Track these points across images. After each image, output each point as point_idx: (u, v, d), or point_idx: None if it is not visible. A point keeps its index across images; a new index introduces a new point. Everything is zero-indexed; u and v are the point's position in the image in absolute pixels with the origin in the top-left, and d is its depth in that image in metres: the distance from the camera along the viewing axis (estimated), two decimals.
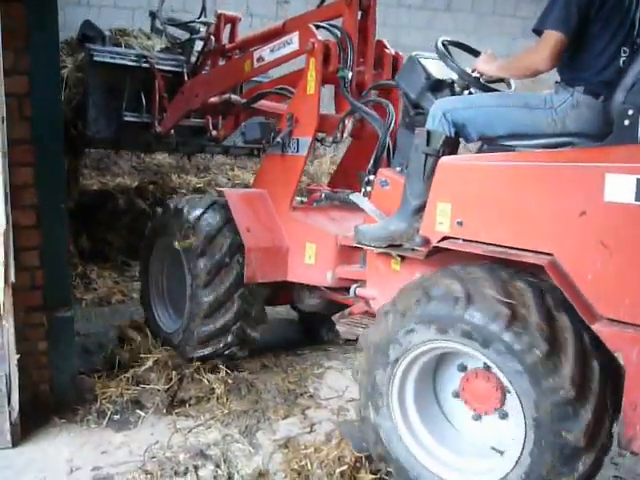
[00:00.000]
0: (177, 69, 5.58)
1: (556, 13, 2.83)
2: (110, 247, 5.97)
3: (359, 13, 4.02)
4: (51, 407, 3.57)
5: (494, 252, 2.81)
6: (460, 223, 2.93)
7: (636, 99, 2.66)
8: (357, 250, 3.70)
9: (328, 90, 4.15)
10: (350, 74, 3.92)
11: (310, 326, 4.96)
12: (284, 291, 4.31)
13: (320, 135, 4.17)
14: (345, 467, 3.13)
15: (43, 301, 3.49)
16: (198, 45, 5.57)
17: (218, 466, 3.23)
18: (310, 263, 3.96)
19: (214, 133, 5.57)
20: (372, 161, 3.82)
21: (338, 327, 3.78)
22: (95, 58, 5.28)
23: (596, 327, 2.56)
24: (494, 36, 9.57)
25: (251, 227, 4.02)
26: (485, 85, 3.36)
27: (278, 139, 4.04)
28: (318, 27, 4.03)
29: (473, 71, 3.29)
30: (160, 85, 5.47)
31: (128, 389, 3.83)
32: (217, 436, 3.50)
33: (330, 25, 4.07)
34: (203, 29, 5.56)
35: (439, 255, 3.09)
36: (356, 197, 3.72)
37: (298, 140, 4.02)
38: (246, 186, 6.61)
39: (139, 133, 5.62)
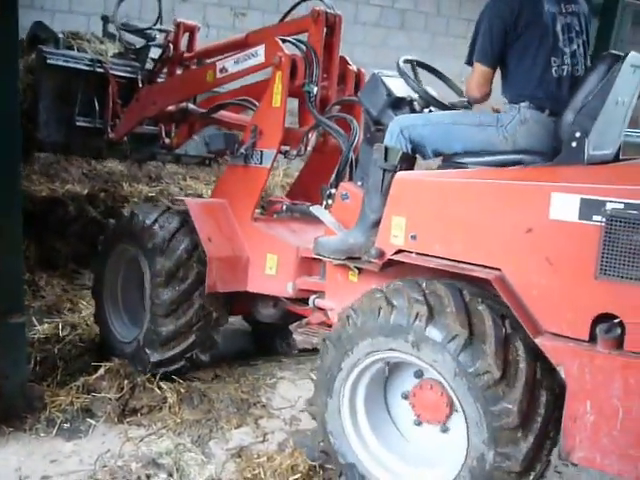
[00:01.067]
0: (132, 75, 5.52)
1: (478, 47, 3.11)
2: (59, 255, 5.82)
3: (325, 29, 4.09)
4: None
5: (445, 266, 2.94)
6: (414, 237, 3.06)
7: (584, 122, 2.83)
8: (317, 262, 3.77)
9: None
10: (315, 89, 3.99)
11: (264, 337, 4.98)
12: (240, 302, 4.32)
13: (284, 148, 4.21)
14: (298, 475, 3.18)
15: None
16: (153, 52, 5.56)
17: (171, 475, 3.24)
18: (271, 274, 4.00)
19: (167, 141, 5.52)
20: (334, 175, 3.91)
21: (295, 336, 3.85)
22: (48, 61, 5.18)
23: (539, 341, 2.69)
24: (447, 57, 9.85)
25: (212, 237, 4.03)
26: (443, 104, 3.52)
27: (242, 150, 4.07)
28: (284, 41, 4.09)
29: None
30: (114, 91, 5.40)
31: (79, 397, 3.80)
32: (169, 445, 3.50)
33: (296, 40, 4.14)
34: (159, 36, 5.54)
35: (395, 268, 3.18)
36: (316, 209, 3.80)
37: (262, 152, 4.06)
38: (199, 196, 6.60)
39: (91, 139, 5.53)
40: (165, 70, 5.27)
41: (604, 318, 2.58)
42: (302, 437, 3.59)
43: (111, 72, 5.40)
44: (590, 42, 3.25)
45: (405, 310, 2.85)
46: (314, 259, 3.72)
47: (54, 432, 3.54)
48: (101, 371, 4.00)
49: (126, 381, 3.92)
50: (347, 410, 3.14)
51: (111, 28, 5.90)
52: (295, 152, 4.21)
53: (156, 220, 4.10)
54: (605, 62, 2.88)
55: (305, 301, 3.87)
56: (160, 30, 5.45)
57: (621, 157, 3.15)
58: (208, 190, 7.13)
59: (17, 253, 3.60)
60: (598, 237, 2.56)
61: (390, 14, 10.04)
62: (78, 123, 5.41)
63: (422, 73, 3.72)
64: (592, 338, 2.60)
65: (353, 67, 4.36)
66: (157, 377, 4.00)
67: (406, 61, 3.59)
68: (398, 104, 3.54)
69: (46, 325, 4.59)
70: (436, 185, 3.10)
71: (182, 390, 3.97)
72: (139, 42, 5.73)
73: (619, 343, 2.54)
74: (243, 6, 8.08)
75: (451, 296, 2.79)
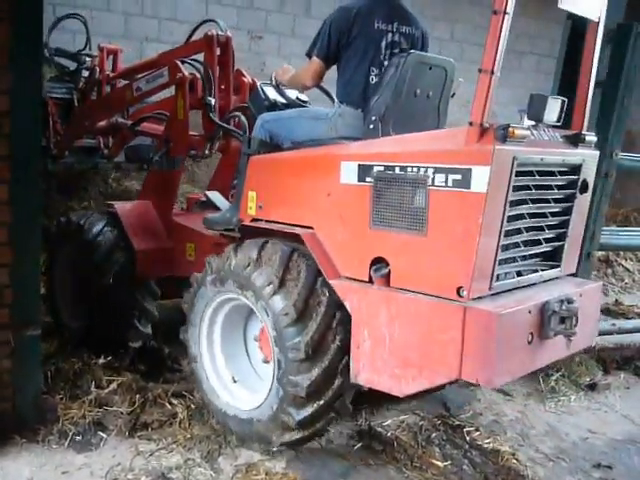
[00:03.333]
0: (67, 96, 6.19)
1: (318, 43, 3.78)
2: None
3: (217, 49, 4.83)
4: (12, 426, 3.57)
5: (277, 227, 3.62)
6: (261, 207, 3.78)
7: (379, 108, 3.49)
8: (228, 244, 4.47)
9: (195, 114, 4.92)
10: (213, 100, 4.71)
11: None
12: (172, 286, 5.01)
13: (192, 152, 4.94)
14: None
15: (10, 319, 3.49)
16: (85, 74, 6.23)
17: None
18: (191, 259, 4.70)
19: (106, 152, 6.24)
20: (237, 169, 4.62)
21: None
22: None
23: (333, 283, 3.32)
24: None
25: (138, 232, 4.73)
26: (301, 104, 4.28)
27: (156, 158, 4.80)
28: (183, 62, 4.82)
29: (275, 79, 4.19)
30: (53, 112, 6.04)
31: (91, 411, 3.89)
32: (179, 460, 3.53)
33: (193, 60, 4.88)
34: (89, 59, 6.23)
35: (259, 236, 3.77)
36: (210, 194, 4.54)
37: (173, 158, 4.80)
38: None
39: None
40: (95, 90, 5.96)
41: (378, 261, 3.19)
42: (309, 455, 3.67)
43: (49, 95, 6.05)
44: None
45: (240, 260, 3.56)
46: (224, 243, 4.43)
47: (66, 444, 3.60)
48: (113, 385, 4.15)
49: (137, 395, 4.05)
50: (205, 336, 3.86)
51: (47, 53, 6.53)
52: (201, 154, 4.94)
53: (89, 223, 4.74)
54: (395, 61, 3.51)
55: None
56: (88, 55, 6.15)
57: None
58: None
59: (35, 267, 3.65)
60: (370, 195, 3.18)
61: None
62: None
63: None
64: (371, 279, 3.22)
65: (248, 78, 5.09)
66: (168, 393, 4.18)
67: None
68: (271, 107, 4.29)
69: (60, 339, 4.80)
70: (273, 163, 3.77)
71: (192, 405, 4.03)
72: (72, 65, 6.40)
73: (387, 281, 3.15)
74: (260, 29, 8.47)
75: (276, 251, 3.47)
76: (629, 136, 6.55)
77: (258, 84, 4.46)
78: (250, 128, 4.36)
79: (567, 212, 3.38)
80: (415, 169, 3.01)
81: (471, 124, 2.83)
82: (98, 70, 5.87)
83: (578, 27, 4.42)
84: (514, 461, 3.83)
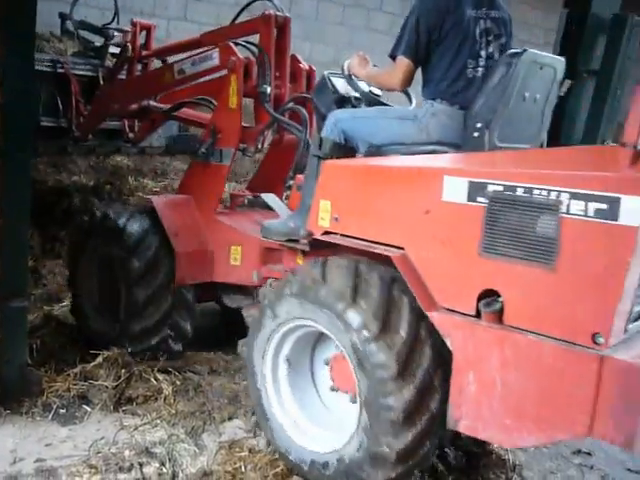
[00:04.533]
0: (92, 74, 5.71)
1: (405, 41, 3.37)
2: (62, 244, 5.89)
3: (275, 31, 4.35)
4: None
5: (360, 245, 3.13)
6: (337, 219, 3.28)
7: (485, 114, 3.11)
8: (280, 250, 4.05)
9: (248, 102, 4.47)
10: (269, 88, 4.25)
11: (232, 321, 5.23)
12: (209, 289, 4.60)
13: (242, 145, 4.48)
14: (278, 470, 3.26)
15: None
16: (112, 50, 5.75)
17: (163, 464, 3.28)
18: (236, 264, 4.28)
19: (131, 135, 5.77)
20: (293, 167, 4.20)
21: (244, 313, 4.12)
22: None
23: (432, 315, 2.87)
24: (361, 30, 10.02)
25: (179, 232, 4.29)
26: (380, 101, 3.83)
27: (202, 149, 4.33)
28: (237, 44, 4.34)
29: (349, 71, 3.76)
30: (76, 90, 5.57)
31: (76, 384, 3.87)
32: (163, 435, 3.54)
33: (247, 42, 4.39)
34: (117, 35, 5.73)
35: (331, 250, 3.37)
36: (266, 196, 4.10)
37: (221, 150, 4.32)
38: None
39: (56, 138, 5.71)
40: (125, 68, 5.47)
41: (488, 294, 2.73)
42: None
43: (72, 71, 5.57)
44: (510, 45, 3.49)
45: (305, 279, 3.15)
46: (276, 248, 4.01)
47: (50, 417, 3.60)
48: (99, 359, 4.08)
49: (123, 370, 4.00)
50: (271, 355, 3.41)
51: (69, 26, 6.04)
52: (253, 149, 4.48)
53: (127, 221, 4.31)
54: (506, 59, 3.14)
55: None
56: (117, 29, 5.65)
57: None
58: None
59: (22, 239, 3.63)
60: (482, 217, 2.71)
61: (355, 14, 10.21)
62: (42, 123, 5.58)
63: None
64: (478, 313, 2.75)
65: (304, 65, 4.62)
66: (154, 368, 4.12)
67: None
68: (342, 101, 3.84)
69: (45, 312, 4.72)
70: (354, 171, 3.32)
71: (178, 382, 4.03)
72: (98, 40, 5.92)
73: (499, 318, 2.70)
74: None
75: (345, 267, 3.06)
76: (621, 128, 6.22)
77: (325, 74, 3.97)
78: (311, 123, 3.94)
79: None
80: (545, 192, 2.56)
81: (624, 145, 2.41)
82: (130, 47, 5.36)
83: None
84: (495, 446, 3.62)
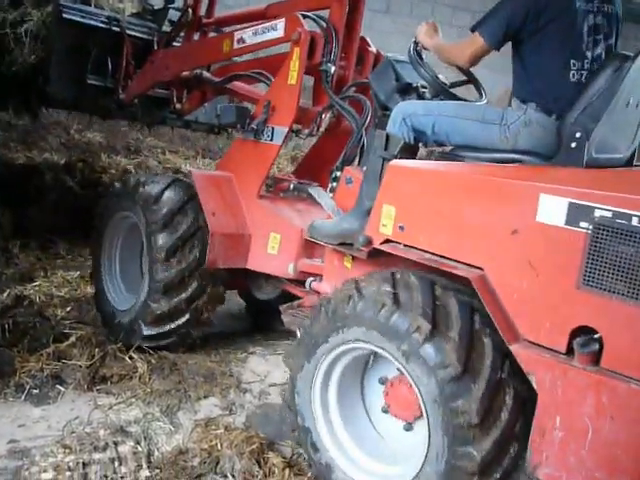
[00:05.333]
0: (147, 37, 5.44)
1: (489, 21, 2.96)
2: (34, 223, 5.73)
3: (347, 7, 3.99)
4: None
5: (429, 260, 2.82)
6: (402, 228, 2.94)
7: (585, 122, 2.69)
8: (319, 245, 3.70)
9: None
10: (333, 68, 3.89)
11: (260, 315, 4.92)
12: (239, 277, 4.27)
13: (296, 126, 4.12)
14: (254, 447, 3.17)
15: None
16: (171, 15, 5.45)
17: (138, 443, 3.24)
18: (273, 253, 3.93)
19: (178, 106, 5.44)
20: (341, 158, 3.84)
21: (283, 317, 3.79)
22: (64, 15, 5.08)
23: (514, 348, 2.55)
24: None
25: (217, 211, 3.97)
26: (453, 94, 3.42)
27: (253, 125, 3.98)
28: (305, 17, 3.98)
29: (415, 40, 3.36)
30: (129, 51, 5.30)
31: (49, 364, 3.79)
32: (138, 414, 3.50)
33: (317, 16, 4.03)
34: None
35: (387, 258, 3.07)
36: (315, 190, 3.76)
37: (273, 129, 3.96)
38: (176, 171, 6.49)
39: (101, 98, 5.45)
40: (182, 35, 5.16)
41: (583, 331, 2.43)
42: (270, 410, 3.62)
43: (127, 32, 5.30)
44: (617, 47, 3.09)
45: (372, 300, 2.76)
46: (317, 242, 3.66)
47: (23, 397, 3.54)
48: (72, 339, 4.00)
49: (97, 349, 3.93)
50: (320, 381, 3.06)
51: None
52: (307, 131, 4.13)
53: (163, 192, 4.01)
54: (614, 62, 2.74)
55: (303, 283, 3.81)
56: None
57: (635, 163, 3.04)
58: (187, 164, 7.05)
59: None
60: (584, 245, 2.40)
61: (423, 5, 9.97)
62: (89, 81, 5.32)
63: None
64: (569, 350, 2.46)
65: (373, 49, 4.26)
66: (128, 347, 4.00)
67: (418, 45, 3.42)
68: (406, 90, 3.46)
69: (17, 292, 4.57)
70: (427, 176, 2.97)
71: (153, 360, 3.98)
72: (157, 3, 5.64)
73: (596, 359, 2.40)
74: None
75: (420, 287, 2.70)
76: None
77: (388, 57, 3.60)
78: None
79: None
80: None
81: None
82: (191, 12, 5.03)
83: None
84: None
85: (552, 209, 2.47)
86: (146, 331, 3.98)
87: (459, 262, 2.73)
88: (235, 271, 4.11)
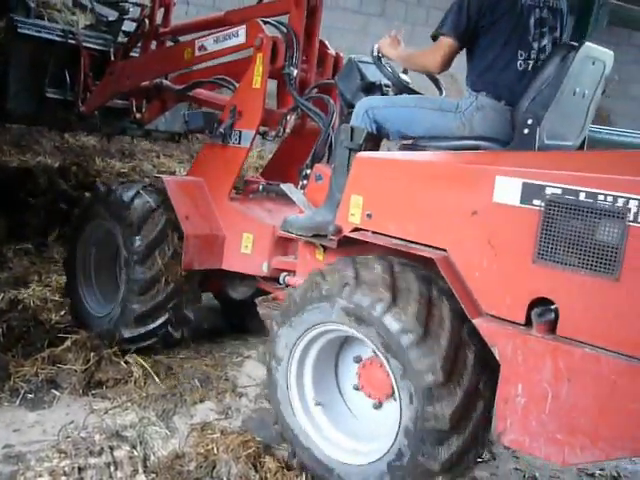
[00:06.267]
0: (104, 48, 5.48)
1: (449, 21, 3.12)
2: (28, 227, 5.74)
3: (305, 12, 4.12)
4: None
5: (396, 245, 2.96)
6: (369, 215, 3.07)
7: (536, 110, 2.90)
8: (292, 242, 3.83)
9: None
10: (295, 71, 4.03)
11: (234, 315, 5.01)
12: (212, 279, 4.37)
13: (262, 129, 4.24)
14: (250, 451, 3.19)
15: None
16: (125, 26, 5.51)
17: (134, 447, 3.23)
18: (246, 253, 4.04)
19: (138, 116, 5.49)
20: (310, 156, 3.97)
21: (259, 309, 3.90)
22: (19, 30, 5.09)
23: (477, 322, 2.69)
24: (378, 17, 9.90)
25: (190, 215, 4.06)
26: (415, 92, 3.59)
27: (221, 130, 4.09)
28: (265, 22, 4.10)
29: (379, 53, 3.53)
30: (86, 63, 5.34)
31: (44, 368, 3.79)
32: (134, 418, 3.50)
33: (277, 22, 4.16)
34: (132, 9, 5.50)
35: (358, 248, 3.20)
36: (286, 187, 3.87)
37: (241, 132, 4.08)
38: (171, 174, 6.53)
39: (61, 111, 5.47)
40: (139, 45, 5.23)
41: (540, 302, 2.56)
42: (266, 414, 3.61)
43: (83, 44, 5.33)
44: (563, 39, 3.28)
45: (336, 281, 2.93)
46: (289, 239, 3.78)
47: (18, 402, 3.53)
48: (67, 343, 3.99)
49: (92, 354, 3.92)
50: (295, 363, 3.19)
51: None
52: (274, 133, 4.25)
53: (134, 197, 4.09)
54: (560, 52, 2.94)
55: (277, 280, 3.92)
56: (134, 4, 5.41)
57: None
58: (181, 168, 7.08)
59: None
60: (537, 221, 2.53)
61: (371, 1, 10.06)
62: (48, 95, 5.35)
63: None
64: (528, 322, 2.58)
65: (331, 51, 4.40)
66: (125, 351, 4.01)
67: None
68: (370, 88, 3.61)
69: (12, 296, 4.57)
70: (392, 166, 3.12)
71: (148, 365, 3.97)
72: (111, 14, 5.68)
73: (552, 328, 2.53)
74: None
75: (379, 265, 2.86)
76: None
77: (353, 58, 3.74)
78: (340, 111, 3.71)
79: None
80: (610, 198, 2.35)
81: None
82: (147, 22, 5.10)
83: None
84: None
85: (507, 190, 2.62)
86: (126, 334, 4.04)
87: (424, 245, 2.88)
88: (210, 272, 4.22)
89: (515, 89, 3.05)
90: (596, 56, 3.03)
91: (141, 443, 3.28)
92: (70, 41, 5.30)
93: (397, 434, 2.81)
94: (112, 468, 3.07)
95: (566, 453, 2.48)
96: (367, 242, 3.09)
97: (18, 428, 3.32)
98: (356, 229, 3.14)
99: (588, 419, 2.43)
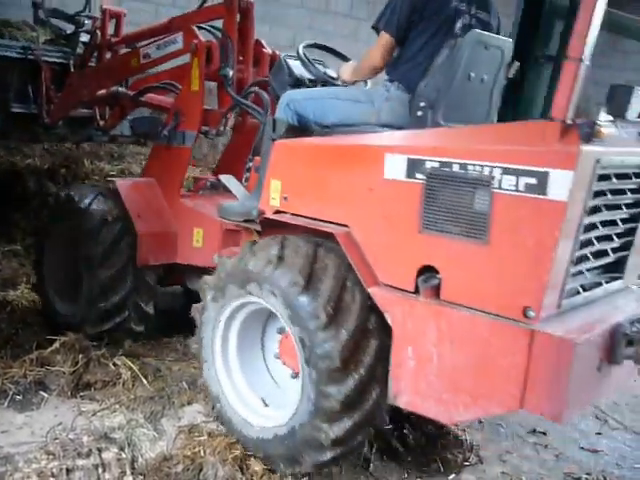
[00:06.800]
0: (63, 61, 5.74)
1: (387, 17, 3.35)
2: (17, 229, 5.93)
3: (238, 15, 4.37)
4: None
5: (307, 223, 3.19)
6: (286, 198, 3.32)
7: (429, 94, 3.13)
8: (239, 233, 4.07)
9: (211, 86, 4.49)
10: (231, 72, 4.26)
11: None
12: (175, 273, 4.62)
13: (204, 128, 4.50)
14: (237, 453, 3.23)
15: None
16: (84, 37, 5.76)
17: (122, 449, 3.24)
18: (198, 246, 4.30)
19: (101, 123, 5.76)
20: (252, 150, 4.21)
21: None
22: None
23: (372, 291, 2.91)
24: (321, 13, 9.83)
25: (142, 214, 4.31)
26: (335, 84, 3.85)
27: (165, 132, 4.35)
28: (200, 28, 4.36)
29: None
30: (47, 77, 5.61)
31: (32, 370, 3.84)
32: (122, 420, 3.51)
33: (211, 26, 4.41)
34: (88, 22, 5.75)
35: (287, 230, 3.36)
36: (225, 178, 4.12)
37: (184, 133, 4.34)
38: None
39: (27, 124, 5.73)
40: (95, 55, 5.48)
41: (426, 270, 2.76)
42: None
43: (43, 59, 5.60)
44: None
45: (261, 258, 3.15)
46: (236, 230, 4.03)
47: (6, 403, 3.56)
48: (56, 345, 4.04)
49: (81, 356, 3.97)
50: (221, 331, 3.43)
51: (42, 14, 6.06)
52: (215, 131, 4.50)
53: (91, 203, 4.33)
54: (450, 42, 3.17)
55: None
56: (88, 16, 5.67)
57: None
58: None
59: None
60: (420, 194, 2.74)
61: (361, 6, 10.15)
62: (13, 109, 5.62)
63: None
64: (417, 289, 2.78)
65: (268, 50, 4.64)
66: (112, 354, 4.11)
67: (307, 45, 3.91)
68: (298, 83, 3.85)
69: (0, 298, 4.70)
70: (302, 151, 3.34)
71: (136, 367, 3.99)
72: (70, 28, 5.93)
73: (437, 293, 2.72)
74: None
75: (303, 248, 3.07)
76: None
77: (281, 56, 4.01)
78: (272, 106, 3.95)
79: (636, 218, 2.99)
80: (478, 168, 2.58)
81: (552, 120, 2.43)
82: (99, 34, 5.36)
83: None
84: (453, 427, 3.70)
85: (395, 166, 2.85)
86: (91, 330, 4.28)
87: (331, 222, 3.11)
88: (169, 268, 4.48)
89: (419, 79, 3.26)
90: (490, 43, 3.23)
91: (129, 445, 3.29)
92: (30, 57, 5.56)
93: (297, 405, 3.07)
94: (100, 470, 3.09)
95: (452, 412, 2.71)
96: (291, 224, 3.31)
97: (6, 430, 3.35)
98: (277, 212, 3.39)
99: (468, 378, 2.65)
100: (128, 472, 3.08)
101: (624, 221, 2.95)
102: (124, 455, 3.20)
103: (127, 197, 4.35)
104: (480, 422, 3.93)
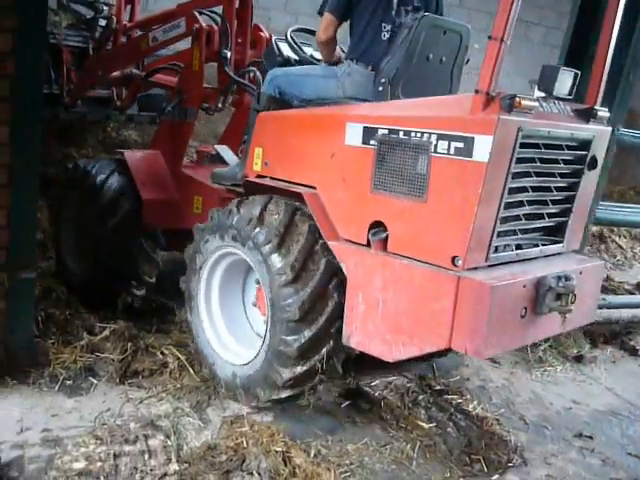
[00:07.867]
0: (83, 45, 6.20)
1: (330, 1, 3.76)
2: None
3: (237, 2, 4.77)
4: (3, 368, 3.60)
5: (283, 186, 3.59)
6: (267, 163, 3.77)
7: (389, 70, 3.49)
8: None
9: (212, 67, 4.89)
10: (229, 54, 4.67)
11: None
12: (180, 238, 5.03)
13: (204, 105, 4.92)
14: (280, 445, 3.26)
15: (6, 260, 3.50)
16: (102, 23, 6.20)
17: (168, 437, 3.30)
18: (198, 213, 4.70)
19: (119, 103, 6.23)
20: (247, 124, 4.61)
21: None
22: None
23: (331, 244, 3.32)
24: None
25: (146, 182, 4.74)
26: (314, 63, 4.24)
27: (169, 108, 4.78)
28: (201, 13, 4.77)
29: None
30: (67, 59, 6.07)
31: (82, 356, 3.94)
32: (168, 408, 3.57)
33: (211, 12, 4.83)
34: (105, 8, 6.19)
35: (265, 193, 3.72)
36: (219, 148, 4.55)
37: (186, 109, 4.76)
38: None
39: (48, 104, 6.14)
40: (111, 40, 5.93)
41: (376, 225, 3.17)
42: (296, 411, 3.70)
43: (64, 43, 6.05)
44: None
45: (244, 215, 3.55)
46: (231, 198, 4.42)
47: (57, 388, 3.64)
48: (106, 332, 4.18)
49: (130, 344, 4.07)
50: (205, 276, 3.87)
51: (64, 0, 6.50)
52: (213, 108, 4.92)
53: (106, 180, 4.73)
54: (409, 23, 3.50)
55: None
56: (105, 3, 6.11)
57: None
58: None
59: (32, 210, 3.61)
60: (373, 158, 3.16)
61: None
62: None
63: None
64: (369, 243, 3.20)
65: (265, 34, 5.04)
66: (160, 343, 4.20)
67: (295, 30, 4.35)
68: (286, 63, 4.27)
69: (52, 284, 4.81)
70: (280, 120, 3.76)
71: (183, 356, 4.05)
72: (89, 13, 6.37)
73: (385, 246, 3.14)
74: None
75: (283, 210, 3.45)
76: (631, 115, 6.27)
77: (273, 39, 4.43)
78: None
79: (573, 188, 3.34)
80: (419, 135, 2.98)
81: (477, 92, 2.79)
82: (115, 19, 5.82)
83: None
84: (498, 427, 3.87)
85: (354, 134, 3.28)
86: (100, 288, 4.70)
87: (302, 185, 3.54)
88: (174, 234, 4.89)
89: (378, 55, 3.65)
90: (447, 27, 3.60)
91: (175, 433, 3.34)
92: (52, 41, 6.01)
93: (260, 348, 3.52)
94: (146, 456, 3.13)
95: (393, 351, 3.11)
96: (267, 185, 3.73)
97: (56, 413, 3.42)
98: (259, 176, 3.81)
99: (407, 321, 3.06)
100: (174, 459, 3.14)
101: (561, 189, 3.30)
102: (170, 443, 3.26)
103: (134, 167, 4.77)
104: (525, 423, 4.03)
